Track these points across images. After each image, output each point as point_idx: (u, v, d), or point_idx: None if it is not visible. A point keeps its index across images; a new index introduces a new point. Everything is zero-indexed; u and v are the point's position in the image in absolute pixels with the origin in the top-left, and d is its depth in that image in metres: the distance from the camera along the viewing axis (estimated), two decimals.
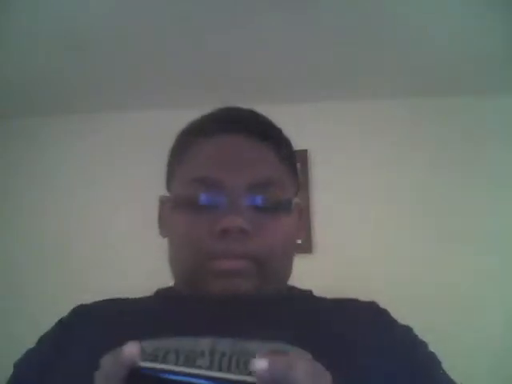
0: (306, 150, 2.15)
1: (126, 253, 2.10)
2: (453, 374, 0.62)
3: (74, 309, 0.69)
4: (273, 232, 0.63)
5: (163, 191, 0.73)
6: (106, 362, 0.39)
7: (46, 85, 2.04)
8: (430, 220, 2.09)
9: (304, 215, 0.75)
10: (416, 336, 0.66)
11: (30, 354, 0.65)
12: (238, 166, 0.64)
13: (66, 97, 2.16)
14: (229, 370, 0.47)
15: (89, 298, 0.71)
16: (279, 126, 0.72)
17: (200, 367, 0.39)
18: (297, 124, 1.90)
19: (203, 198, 0.63)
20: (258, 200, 0.63)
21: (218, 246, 0.61)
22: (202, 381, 0.37)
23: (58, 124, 2.29)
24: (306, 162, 2.16)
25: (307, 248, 2.07)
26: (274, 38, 1.74)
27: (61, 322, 0.67)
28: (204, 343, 0.40)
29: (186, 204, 0.64)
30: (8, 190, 2.27)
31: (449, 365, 0.64)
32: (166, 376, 0.37)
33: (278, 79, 2.04)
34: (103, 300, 0.69)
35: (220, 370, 0.44)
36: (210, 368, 0.43)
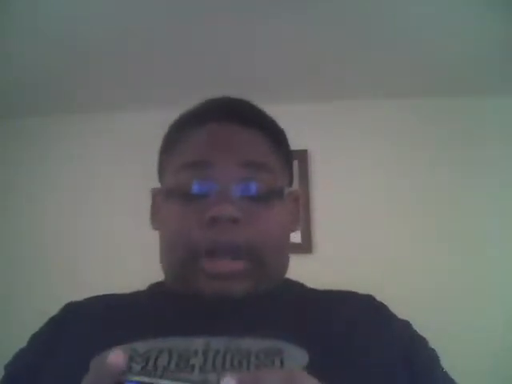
0: (305, 150, 2.15)
1: (126, 252, 2.10)
2: (453, 374, 0.62)
3: (64, 306, 0.68)
4: (265, 220, 0.62)
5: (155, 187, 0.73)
6: (93, 368, 0.38)
7: (46, 85, 2.03)
8: (429, 220, 2.09)
9: (300, 204, 0.73)
10: (415, 331, 0.65)
11: (21, 354, 0.64)
12: (228, 149, 0.63)
13: (65, 97, 2.16)
14: (223, 368, 0.47)
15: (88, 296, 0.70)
16: (272, 117, 0.71)
17: (193, 366, 0.38)
18: (297, 124, 1.90)
19: (193, 186, 0.61)
20: (249, 188, 0.61)
21: (208, 236, 0.59)
22: None
23: (58, 124, 2.29)
24: (305, 161, 2.16)
25: (307, 248, 2.07)
26: (273, 37, 1.74)
27: (51, 320, 0.67)
28: (198, 342, 0.39)
29: (177, 194, 0.63)
30: (8, 189, 2.27)
31: (449, 365, 0.64)
32: None
33: (277, 79, 2.04)
34: (94, 296, 0.69)
35: (214, 368, 0.43)
36: (203, 366, 0.43)
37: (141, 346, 0.39)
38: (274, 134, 0.69)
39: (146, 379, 0.36)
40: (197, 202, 0.61)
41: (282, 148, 0.69)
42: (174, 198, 0.63)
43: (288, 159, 0.71)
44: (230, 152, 0.63)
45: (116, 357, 0.37)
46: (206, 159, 0.62)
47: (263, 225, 0.61)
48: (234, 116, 0.66)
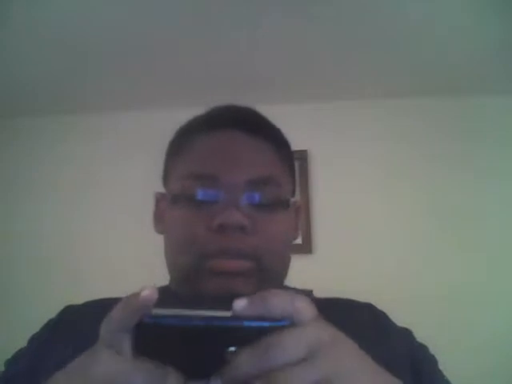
0: (305, 150, 2.15)
1: (126, 253, 2.10)
2: (454, 379, 0.62)
3: (63, 309, 0.69)
4: (271, 229, 0.62)
5: (159, 191, 0.73)
6: (117, 309, 0.38)
7: (46, 85, 2.03)
8: (429, 220, 2.09)
9: (301, 214, 0.74)
10: (415, 339, 0.65)
11: (19, 354, 0.64)
12: (234, 163, 0.63)
13: (66, 97, 2.16)
14: None
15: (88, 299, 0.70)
16: (278, 126, 0.71)
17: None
18: (297, 124, 1.90)
19: (200, 193, 0.62)
20: (256, 197, 0.62)
21: (215, 242, 0.59)
22: (217, 322, 0.36)
23: (58, 124, 2.29)
24: (305, 162, 2.16)
25: (307, 248, 2.07)
26: (274, 37, 1.74)
27: (50, 322, 0.67)
28: None
29: (183, 199, 0.63)
30: (8, 189, 2.27)
31: (453, 364, 0.64)
32: (174, 323, 0.36)
33: (277, 79, 2.04)
34: (93, 300, 0.69)
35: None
36: None
37: None
38: (280, 144, 0.69)
39: (165, 313, 0.37)
40: (204, 207, 0.61)
41: (286, 158, 0.69)
42: (179, 202, 0.64)
43: (291, 169, 0.71)
44: (237, 166, 0.63)
45: (149, 290, 0.37)
46: (212, 173, 0.62)
47: (270, 234, 0.62)
48: (241, 124, 0.66)
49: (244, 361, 0.35)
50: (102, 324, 0.38)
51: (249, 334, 0.36)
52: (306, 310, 0.38)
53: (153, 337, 0.36)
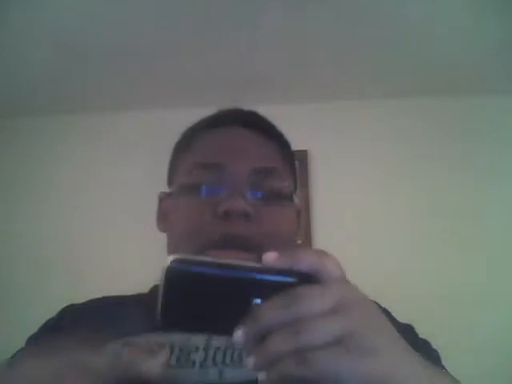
0: (305, 150, 2.15)
1: (126, 253, 2.09)
2: (458, 374, 0.62)
3: (62, 309, 0.69)
4: (274, 220, 0.64)
5: (163, 190, 0.73)
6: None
7: (46, 85, 2.03)
8: (429, 220, 2.09)
9: (301, 217, 0.75)
10: (417, 335, 0.66)
11: (18, 354, 0.64)
12: (240, 153, 0.66)
13: (66, 97, 2.16)
14: (223, 364, 0.47)
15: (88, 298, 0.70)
16: (279, 129, 0.74)
17: (194, 362, 0.38)
18: (297, 124, 1.90)
19: (206, 183, 0.63)
20: (259, 191, 0.64)
21: (219, 228, 0.60)
22: (243, 273, 0.37)
23: (58, 124, 2.29)
24: (305, 161, 2.16)
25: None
26: (274, 37, 1.74)
27: (48, 322, 0.67)
28: (199, 339, 0.39)
29: (189, 190, 0.64)
30: (8, 189, 2.27)
31: (453, 364, 0.64)
32: (202, 270, 0.36)
33: (278, 79, 2.04)
34: (93, 299, 0.69)
35: (215, 363, 0.44)
36: (204, 362, 0.43)
37: (141, 339, 0.39)
38: (282, 143, 0.72)
39: (195, 258, 0.37)
40: (209, 197, 0.63)
41: (288, 157, 0.72)
42: (186, 195, 0.65)
43: (293, 167, 0.73)
44: (242, 156, 0.65)
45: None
46: (218, 162, 0.64)
47: (273, 224, 0.63)
48: (246, 123, 0.69)
49: (269, 311, 0.35)
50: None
51: (275, 287, 0.36)
52: (334, 268, 0.39)
53: (181, 282, 0.36)
